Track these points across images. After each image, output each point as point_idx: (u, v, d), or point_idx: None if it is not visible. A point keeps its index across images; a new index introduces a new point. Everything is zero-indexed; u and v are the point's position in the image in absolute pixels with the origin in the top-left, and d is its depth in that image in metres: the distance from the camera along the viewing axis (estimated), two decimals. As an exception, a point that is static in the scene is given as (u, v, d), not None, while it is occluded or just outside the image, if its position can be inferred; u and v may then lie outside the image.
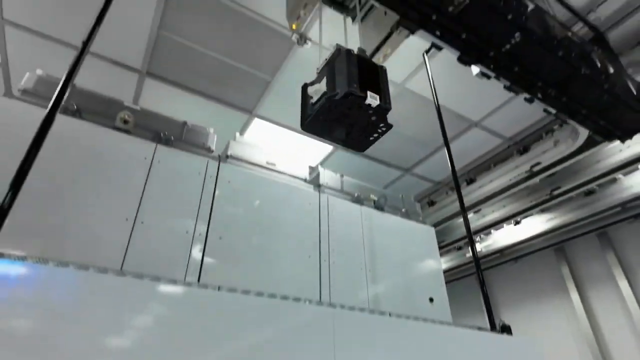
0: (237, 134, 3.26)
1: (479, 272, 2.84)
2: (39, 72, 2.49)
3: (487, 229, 6.85)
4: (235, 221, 2.72)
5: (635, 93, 2.98)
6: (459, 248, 7.71)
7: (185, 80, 4.59)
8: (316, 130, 2.07)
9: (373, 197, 3.63)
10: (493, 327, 2.42)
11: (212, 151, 3.04)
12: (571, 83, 2.72)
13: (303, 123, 2.05)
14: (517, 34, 2.38)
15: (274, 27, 3.93)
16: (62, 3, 3.66)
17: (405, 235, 3.54)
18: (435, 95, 3.68)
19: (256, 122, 5.22)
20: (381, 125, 1.95)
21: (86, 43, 1.94)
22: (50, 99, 1.66)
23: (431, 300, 3.22)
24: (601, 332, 6.49)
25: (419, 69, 4.45)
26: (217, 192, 2.72)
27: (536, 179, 5.44)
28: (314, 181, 3.40)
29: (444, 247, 7.42)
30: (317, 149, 5.75)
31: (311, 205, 3.10)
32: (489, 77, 2.99)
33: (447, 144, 3.37)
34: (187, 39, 4.05)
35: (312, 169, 3.56)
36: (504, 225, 7.05)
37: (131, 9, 3.68)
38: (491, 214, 6.52)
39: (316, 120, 1.95)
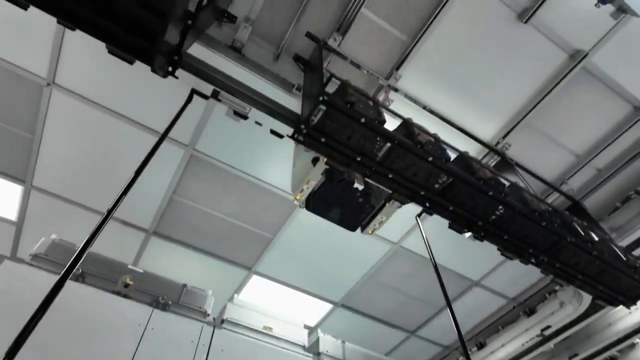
0: (235, 295, 3.22)
1: None
2: (53, 236, 2.64)
3: (508, 404, 6.01)
4: (224, 399, 2.45)
5: (625, 259, 3.08)
6: None
7: (189, 239, 4.77)
8: (317, 210, 2.64)
9: (376, 367, 3.34)
10: None
11: (208, 315, 2.96)
12: (560, 250, 2.85)
13: (308, 205, 2.61)
14: (500, 207, 2.62)
15: (278, 192, 4.31)
16: (89, 172, 4.11)
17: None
18: (432, 255, 3.77)
19: (255, 279, 5.19)
20: (367, 206, 2.54)
21: (110, 212, 2.12)
22: (60, 264, 1.72)
23: None
24: None
25: (414, 228, 4.67)
26: (208, 363, 2.53)
27: (550, 344, 5.06)
28: (313, 348, 3.19)
29: None
30: (316, 307, 5.55)
31: (310, 380, 2.84)
32: (481, 240, 3.14)
33: (449, 305, 3.24)
34: (198, 202, 4.39)
35: (311, 332, 3.37)
36: (527, 398, 6.22)
37: (151, 176, 4.10)
38: (510, 385, 5.82)
39: (317, 201, 2.54)
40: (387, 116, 2.46)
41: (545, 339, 4.98)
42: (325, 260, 5.01)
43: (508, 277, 5.14)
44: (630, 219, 4.06)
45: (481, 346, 5.52)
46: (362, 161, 2.32)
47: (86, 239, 1.88)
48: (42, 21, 3.05)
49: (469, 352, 5.75)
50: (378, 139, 2.26)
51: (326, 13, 3.29)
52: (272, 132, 3.26)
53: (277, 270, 5.14)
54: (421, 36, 3.34)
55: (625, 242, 4.00)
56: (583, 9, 3.22)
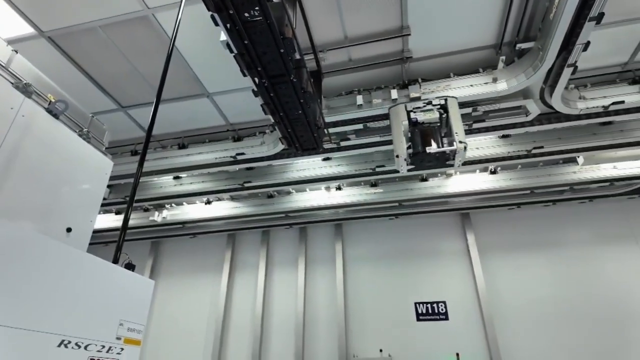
0: None
1: (122, 237, 2.46)
2: None
3: (179, 197, 6.99)
4: None
5: (318, 120, 3.83)
6: (146, 209, 7.48)
7: None
8: None
9: (52, 97, 2.94)
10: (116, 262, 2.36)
11: None
12: (281, 84, 3.18)
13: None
14: (256, 9, 2.55)
15: None
16: None
17: (73, 155, 3.03)
18: (174, 39, 3.27)
19: None
20: None
21: None
22: None
23: (69, 230, 2.83)
24: (229, 311, 7.77)
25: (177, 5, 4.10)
26: None
27: (236, 167, 6.04)
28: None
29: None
30: (13, 22, 4.27)
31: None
32: (231, 51, 3.06)
33: (158, 96, 2.91)
34: None
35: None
36: (197, 202, 7.43)
37: None
38: (189, 185, 6.71)
39: None
40: None
41: (234, 162, 5.86)
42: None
43: (237, 105, 5.53)
44: (341, 107, 5.02)
45: (183, 147, 5.95)
46: (231, 15, 2.42)
47: None
48: None
49: (171, 147, 6.12)
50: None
51: None
52: None
53: None
54: None
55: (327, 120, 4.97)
56: None
